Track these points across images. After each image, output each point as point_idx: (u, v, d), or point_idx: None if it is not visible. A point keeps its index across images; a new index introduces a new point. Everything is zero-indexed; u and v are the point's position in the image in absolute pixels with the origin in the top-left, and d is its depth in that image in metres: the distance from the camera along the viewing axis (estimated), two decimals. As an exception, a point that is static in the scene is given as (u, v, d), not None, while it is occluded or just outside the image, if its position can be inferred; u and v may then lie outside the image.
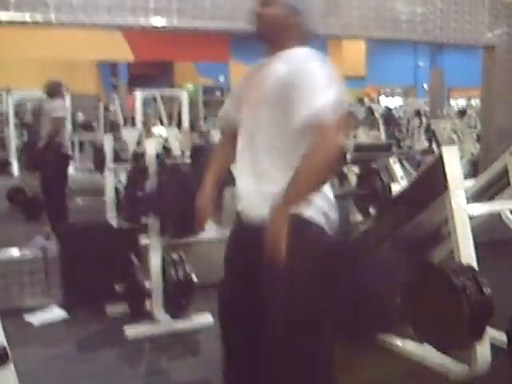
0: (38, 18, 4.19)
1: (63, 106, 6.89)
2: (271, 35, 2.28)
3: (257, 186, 2.20)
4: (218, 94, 19.95)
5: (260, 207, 2.14)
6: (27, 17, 4.16)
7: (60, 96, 6.81)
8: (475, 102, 17.36)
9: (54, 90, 6.75)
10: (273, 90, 2.17)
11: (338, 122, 2.01)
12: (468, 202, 3.38)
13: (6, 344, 2.06)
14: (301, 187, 2.04)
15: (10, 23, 4.16)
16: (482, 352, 3.11)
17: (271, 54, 2.28)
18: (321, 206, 2.19)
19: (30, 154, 11.23)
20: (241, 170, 2.30)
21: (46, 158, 6.51)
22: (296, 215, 2.07)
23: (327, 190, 2.25)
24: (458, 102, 21.06)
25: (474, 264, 3.17)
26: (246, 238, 2.25)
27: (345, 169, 6.29)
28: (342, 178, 6.42)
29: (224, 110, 2.54)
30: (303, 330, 2.13)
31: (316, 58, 2.21)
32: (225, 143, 2.57)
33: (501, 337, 3.27)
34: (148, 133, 9.20)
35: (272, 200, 2.04)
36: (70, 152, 6.96)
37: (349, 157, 6.41)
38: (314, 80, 2.09)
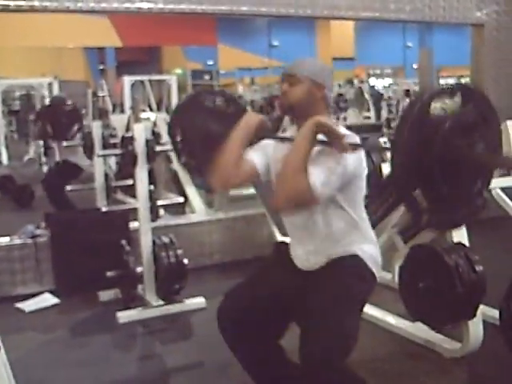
0: (22, 3, 4.13)
1: None
2: (301, 111, 2.40)
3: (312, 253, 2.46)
4: (206, 77, 19.87)
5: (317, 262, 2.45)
6: (10, 3, 4.10)
7: None
8: (465, 80, 17.35)
9: None
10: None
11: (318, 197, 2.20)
12: (459, 180, 3.38)
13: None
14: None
15: (-2, 10, 4.10)
16: (475, 329, 3.13)
17: (301, 127, 2.35)
18: (373, 254, 2.46)
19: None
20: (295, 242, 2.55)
21: None
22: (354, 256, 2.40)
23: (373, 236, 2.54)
24: (447, 81, 21.03)
25: (466, 242, 3.18)
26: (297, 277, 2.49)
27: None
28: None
29: (253, 164, 2.47)
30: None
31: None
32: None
33: (493, 313, 3.28)
34: (137, 118, 9.14)
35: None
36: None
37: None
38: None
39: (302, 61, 2.47)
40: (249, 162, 2.42)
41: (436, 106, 6.44)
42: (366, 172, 2.42)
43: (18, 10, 4.17)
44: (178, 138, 2.71)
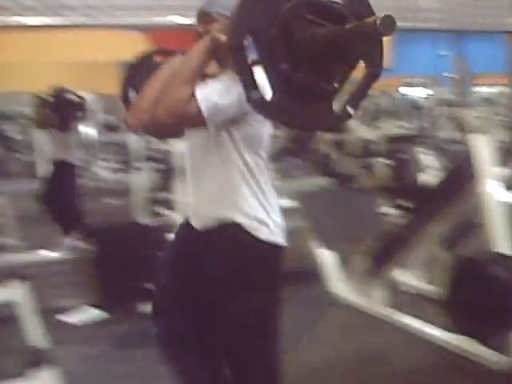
0: (60, 21, 4.22)
1: None
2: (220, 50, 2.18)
3: (201, 203, 2.26)
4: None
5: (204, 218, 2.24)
6: (50, 20, 4.19)
7: None
8: (502, 88, 17.15)
9: None
10: None
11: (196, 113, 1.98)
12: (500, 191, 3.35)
13: (47, 346, 2.06)
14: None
15: (35, 27, 4.19)
16: (522, 341, 3.07)
17: (224, 66, 2.23)
18: (257, 216, 2.16)
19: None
20: (190, 188, 2.33)
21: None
22: (231, 223, 2.14)
23: (271, 196, 2.22)
24: (483, 90, 20.78)
25: (510, 252, 3.14)
26: (191, 243, 2.32)
27: (373, 161, 6.22)
28: (371, 170, 6.36)
29: None
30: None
31: None
32: None
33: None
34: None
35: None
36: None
37: (376, 148, 6.37)
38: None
39: None
40: None
41: (474, 115, 6.16)
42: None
43: (56, 27, 4.25)
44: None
